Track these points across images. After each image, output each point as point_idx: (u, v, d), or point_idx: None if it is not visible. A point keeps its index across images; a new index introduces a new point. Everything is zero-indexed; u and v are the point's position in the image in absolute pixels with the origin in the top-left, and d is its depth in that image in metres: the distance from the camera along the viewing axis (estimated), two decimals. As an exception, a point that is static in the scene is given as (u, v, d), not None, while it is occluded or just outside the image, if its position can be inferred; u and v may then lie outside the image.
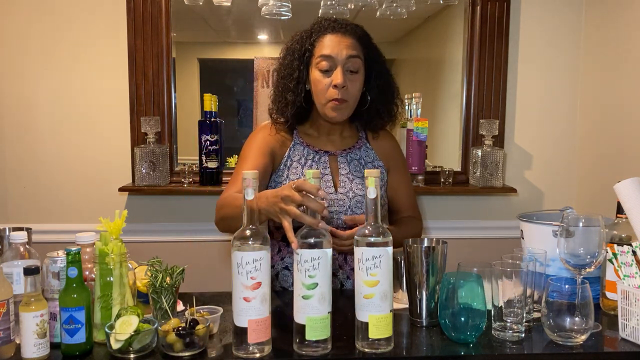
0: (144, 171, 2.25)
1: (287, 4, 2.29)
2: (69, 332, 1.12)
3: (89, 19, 2.30)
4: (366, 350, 1.15)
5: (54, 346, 1.15)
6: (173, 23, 2.31)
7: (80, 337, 1.13)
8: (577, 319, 1.19)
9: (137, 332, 1.11)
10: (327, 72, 1.54)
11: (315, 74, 1.57)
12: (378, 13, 2.37)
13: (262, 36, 2.56)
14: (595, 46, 2.35)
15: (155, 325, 1.14)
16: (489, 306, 1.24)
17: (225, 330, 1.25)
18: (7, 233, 1.42)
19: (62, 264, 1.17)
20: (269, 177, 1.61)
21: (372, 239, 1.14)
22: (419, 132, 2.29)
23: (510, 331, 1.22)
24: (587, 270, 1.23)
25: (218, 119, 2.28)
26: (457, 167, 2.47)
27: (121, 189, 2.28)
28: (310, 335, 1.12)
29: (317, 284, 1.11)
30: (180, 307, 1.34)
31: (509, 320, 1.22)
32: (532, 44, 2.44)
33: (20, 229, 1.39)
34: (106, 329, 1.12)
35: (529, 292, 1.25)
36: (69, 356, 1.13)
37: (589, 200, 2.39)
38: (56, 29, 2.29)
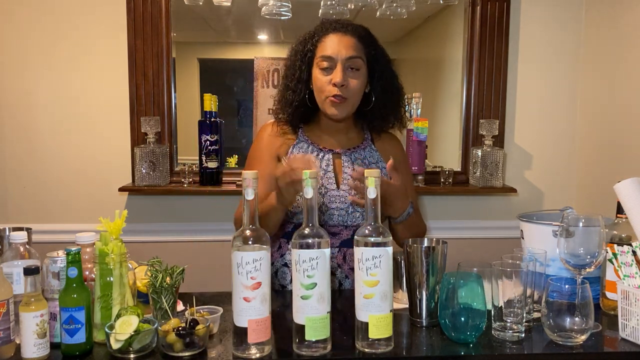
0: (144, 171, 2.25)
1: (287, 4, 2.29)
2: (69, 332, 1.12)
3: (89, 19, 2.30)
4: (366, 350, 1.15)
5: (54, 346, 1.15)
6: (173, 23, 2.31)
7: (80, 337, 1.13)
8: (577, 319, 1.19)
9: (137, 332, 1.11)
10: (327, 70, 1.57)
11: (315, 73, 1.59)
12: (378, 13, 2.37)
13: (262, 36, 2.56)
14: (595, 46, 2.35)
15: (155, 325, 1.14)
16: (489, 306, 1.24)
17: (225, 330, 1.25)
18: (7, 233, 1.42)
19: (62, 264, 1.17)
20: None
21: (372, 239, 1.15)
22: (419, 132, 2.29)
23: (510, 331, 1.22)
24: (587, 270, 1.23)
25: (218, 119, 2.28)
26: (457, 167, 2.47)
27: (121, 189, 2.28)
28: (309, 335, 1.12)
29: (315, 284, 1.11)
30: (180, 307, 1.34)
31: (509, 320, 1.22)
32: (532, 44, 2.44)
33: (20, 229, 1.39)
34: (106, 329, 1.12)
35: (529, 292, 1.25)
36: (69, 356, 1.13)
37: (589, 200, 2.39)
38: (56, 29, 2.29)
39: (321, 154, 1.64)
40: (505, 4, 2.39)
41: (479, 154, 2.34)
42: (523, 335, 1.22)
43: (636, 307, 1.21)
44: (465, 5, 2.42)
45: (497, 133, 2.36)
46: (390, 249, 1.15)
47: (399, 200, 1.53)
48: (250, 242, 1.12)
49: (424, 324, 1.30)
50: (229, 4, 2.33)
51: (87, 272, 1.22)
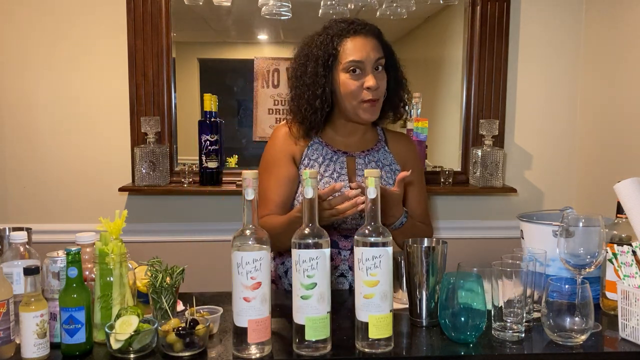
0: (144, 171, 2.25)
1: (287, 4, 2.29)
2: (69, 332, 1.12)
3: (89, 19, 2.30)
4: (366, 350, 1.15)
5: (54, 346, 1.15)
6: (173, 23, 2.31)
7: (80, 337, 1.13)
8: (577, 319, 1.19)
9: (137, 332, 1.11)
10: (355, 73, 1.54)
11: (343, 77, 1.55)
12: (378, 13, 2.37)
13: (262, 36, 2.56)
14: (595, 46, 2.35)
15: (155, 325, 1.14)
16: (489, 306, 1.24)
17: (225, 330, 1.25)
18: (7, 233, 1.42)
19: (62, 264, 1.17)
20: (298, 182, 1.63)
21: (372, 239, 1.15)
22: (419, 132, 2.29)
23: (510, 331, 1.22)
24: (587, 270, 1.23)
25: (218, 119, 2.28)
26: (457, 167, 2.47)
27: (121, 189, 2.28)
28: (309, 335, 1.12)
29: (315, 284, 1.11)
30: (180, 307, 1.34)
31: (509, 320, 1.22)
32: (532, 44, 2.44)
33: (20, 229, 1.39)
34: (106, 329, 1.12)
35: (529, 292, 1.25)
36: (69, 356, 1.13)
37: (589, 200, 2.39)
38: (56, 29, 2.29)
39: (335, 157, 1.63)
40: (505, 4, 2.39)
41: (479, 154, 2.34)
42: (523, 335, 1.22)
43: (636, 307, 1.21)
44: (465, 5, 2.42)
45: (497, 133, 2.36)
46: (390, 249, 1.15)
47: (393, 209, 1.52)
48: (250, 242, 1.12)
49: (424, 324, 1.30)
50: (229, 4, 2.33)
51: (87, 272, 1.22)
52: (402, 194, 1.53)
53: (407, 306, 1.35)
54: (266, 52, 2.50)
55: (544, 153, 2.49)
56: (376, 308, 1.13)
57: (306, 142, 1.65)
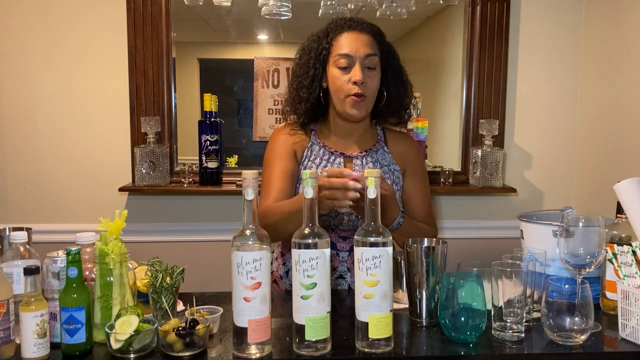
0: (144, 171, 2.25)
1: (287, 4, 2.29)
2: (69, 332, 1.12)
3: (89, 19, 2.30)
4: (366, 350, 1.15)
5: (54, 346, 1.15)
6: (173, 23, 2.31)
7: (80, 337, 1.13)
8: (577, 319, 1.19)
9: (137, 332, 1.11)
10: (345, 69, 1.55)
11: (333, 71, 1.57)
12: (378, 13, 2.37)
13: (262, 36, 2.56)
14: (595, 46, 2.35)
15: (155, 325, 1.14)
16: (489, 306, 1.24)
17: (225, 330, 1.25)
18: (7, 233, 1.42)
19: (62, 264, 1.17)
20: (297, 178, 1.63)
21: (372, 239, 1.15)
22: (419, 132, 2.29)
23: (510, 331, 1.22)
24: (587, 270, 1.23)
25: (218, 119, 2.28)
26: (457, 167, 2.47)
27: (121, 189, 2.28)
28: (309, 335, 1.12)
29: (315, 284, 1.11)
30: (180, 307, 1.34)
31: (509, 320, 1.22)
32: (532, 44, 2.44)
33: (20, 229, 1.39)
34: (106, 329, 1.12)
35: (528, 292, 1.25)
36: (69, 356, 1.13)
37: (588, 200, 2.39)
38: (56, 29, 2.29)
39: (332, 157, 1.63)
40: (505, 4, 2.39)
41: (479, 154, 2.34)
42: (523, 335, 1.22)
43: (636, 307, 1.21)
44: (465, 5, 2.42)
45: (497, 133, 2.36)
46: (390, 249, 1.15)
47: (388, 210, 1.49)
48: (250, 242, 1.12)
49: (424, 324, 1.30)
50: (229, 4, 2.33)
51: (87, 272, 1.22)
52: (395, 194, 1.52)
53: (407, 306, 1.35)
54: (266, 52, 2.50)
55: (544, 153, 2.49)
56: (376, 308, 1.13)
57: (305, 142, 1.65)
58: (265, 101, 2.45)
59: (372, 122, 1.73)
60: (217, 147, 2.27)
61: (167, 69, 2.31)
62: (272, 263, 1.70)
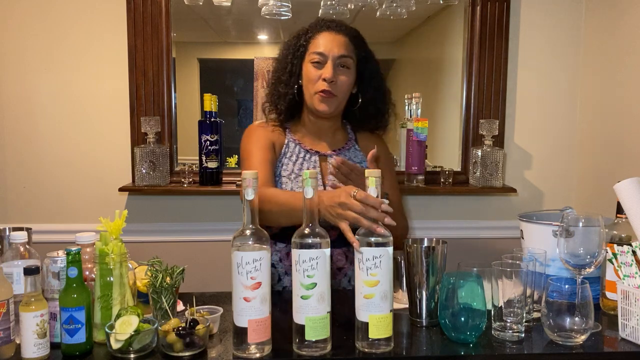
0: (144, 171, 2.25)
1: (287, 4, 2.29)
2: (69, 332, 1.12)
3: (89, 19, 2.30)
4: (366, 350, 1.15)
5: (54, 346, 1.15)
6: (173, 23, 2.31)
7: (80, 337, 1.13)
8: (577, 319, 1.19)
9: (137, 332, 1.11)
10: (318, 65, 1.59)
11: (307, 67, 1.62)
12: (378, 13, 2.37)
13: (262, 36, 2.56)
14: (595, 46, 2.35)
15: (155, 325, 1.14)
16: (489, 306, 1.24)
17: (225, 330, 1.25)
18: (7, 233, 1.42)
19: (62, 264, 1.17)
20: (275, 170, 1.64)
21: (373, 239, 1.15)
22: (419, 132, 2.29)
23: (510, 331, 1.22)
24: (587, 270, 1.23)
25: (218, 119, 2.28)
26: (457, 167, 2.47)
27: (121, 189, 2.28)
28: (309, 336, 1.12)
29: (315, 284, 1.12)
30: (180, 307, 1.34)
31: (509, 320, 1.22)
32: (532, 44, 2.44)
33: (20, 229, 1.39)
34: (106, 329, 1.12)
35: (529, 292, 1.25)
36: (69, 356, 1.13)
37: (588, 200, 2.39)
38: (56, 29, 2.29)
39: (307, 156, 1.66)
40: (505, 4, 2.38)
41: (479, 154, 2.34)
42: (523, 335, 1.22)
43: (636, 307, 1.21)
44: (465, 5, 2.42)
45: (497, 133, 2.36)
46: (390, 249, 1.15)
47: None
48: (250, 242, 1.12)
49: (424, 324, 1.30)
50: (229, 4, 2.33)
51: (87, 272, 1.22)
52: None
53: (407, 306, 1.35)
54: (266, 52, 2.50)
55: (544, 153, 2.49)
56: (376, 308, 1.14)
57: (282, 139, 1.67)
58: (265, 101, 2.44)
59: (344, 122, 1.77)
60: (217, 147, 2.27)
61: (167, 69, 2.31)
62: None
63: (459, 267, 1.29)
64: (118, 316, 1.14)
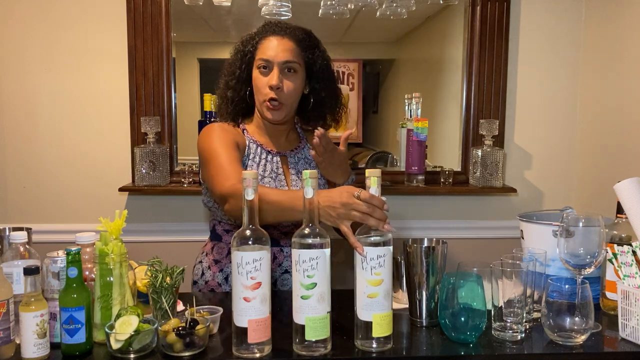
0: (144, 171, 2.25)
1: (287, 4, 2.29)
2: (69, 332, 1.12)
3: (89, 20, 2.30)
4: (366, 348, 1.15)
5: (54, 346, 1.15)
6: (173, 23, 2.31)
7: (80, 337, 1.13)
8: (577, 319, 1.19)
9: (137, 332, 1.11)
10: (265, 72, 1.58)
11: (255, 74, 1.61)
12: (378, 13, 2.37)
13: (262, 36, 2.56)
14: (595, 46, 2.35)
15: (155, 325, 1.14)
16: (489, 306, 1.24)
17: (225, 330, 1.25)
18: (7, 233, 1.42)
19: (62, 264, 1.17)
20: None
21: (377, 239, 1.15)
22: (419, 132, 2.29)
23: (510, 331, 1.22)
24: (587, 270, 1.23)
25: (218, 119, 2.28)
26: (457, 167, 2.47)
27: (121, 189, 2.28)
28: (309, 335, 1.12)
29: (315, 284, 1.12)
30: (180, 307, 1.34)
31: (509, 320, 1.22)
32: (532, 44, 2.44)
33: (20, 229, 1.39)
34: (106, 329, 1.12)
35: (529, 292, 1.25)
36: (69, 356, 1.13)
37: (588, 200, 2.39)
38: (56, 30, 2.29)
39: (269, 156, 1.65)
40: (505, 4, 2.39)
41: (479, 154, 2.34)
42: (523, 335, 1.22)
43: (636, 307, 1.21)
44: (465, 5, 2.42)
45: (497, 133, 2.36)
46: (391, 247, 1.16)
47: (342, 166, 1.56)
48: (250, 242, 1.12)
49: (424, 324, 1.30)
50: (229, 4, 2.33)
51: (87, 272, 1.22)
52: (347, 154, 1.58)
53: (407, 306, 1.35)
54: (266, 52, 2.50)
55: (544, 153, 2.49)
56: (380, 307, 1.14)
57: (243, 140, 1.65)
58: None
59: (295, 121, 1.76)
60: (217, 147, 2.27)
61: (167, 69, 2.31)
62: (201, 275, 1.70)
63: (459, 267, 1.29)
64: (118, 316, 1.14)
